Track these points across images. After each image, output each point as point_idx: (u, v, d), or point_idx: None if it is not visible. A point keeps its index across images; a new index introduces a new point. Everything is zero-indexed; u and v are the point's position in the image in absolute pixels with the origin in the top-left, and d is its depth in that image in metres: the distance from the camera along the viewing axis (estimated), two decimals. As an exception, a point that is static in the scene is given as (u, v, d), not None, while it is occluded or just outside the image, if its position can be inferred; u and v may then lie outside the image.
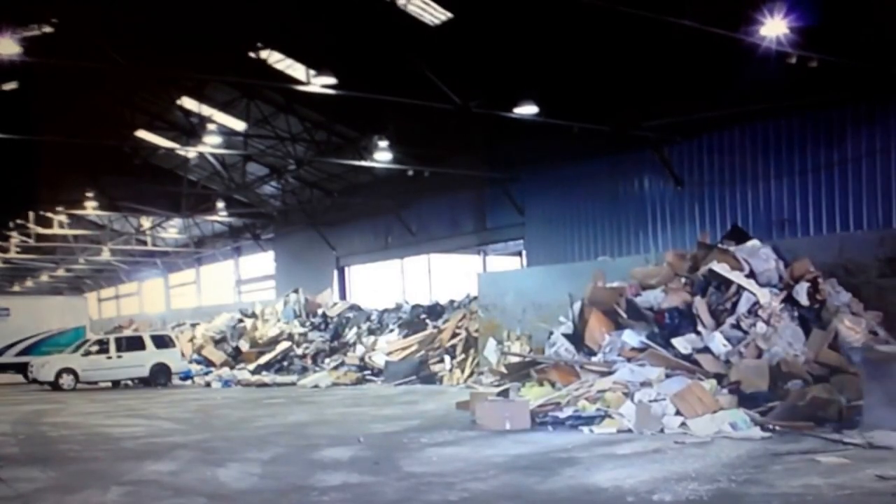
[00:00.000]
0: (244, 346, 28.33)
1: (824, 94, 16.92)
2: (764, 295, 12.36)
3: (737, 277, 12.73)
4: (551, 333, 14.78)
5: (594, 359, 13.07)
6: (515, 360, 15.95)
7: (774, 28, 13.74)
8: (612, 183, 22.85)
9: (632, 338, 12.96)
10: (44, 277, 56.75)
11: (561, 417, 10.87)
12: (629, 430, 10.18)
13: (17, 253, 46.18)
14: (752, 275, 13.01)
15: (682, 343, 12.27)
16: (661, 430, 10.08)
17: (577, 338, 13.99)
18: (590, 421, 10.62)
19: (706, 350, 12.14)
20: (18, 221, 41.69)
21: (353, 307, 29.30)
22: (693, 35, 14.06)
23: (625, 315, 13.61)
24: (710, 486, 6.85)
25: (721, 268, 13.02)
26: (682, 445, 9.01)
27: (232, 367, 26.65)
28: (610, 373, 12.06)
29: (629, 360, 12.43)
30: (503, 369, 16.37)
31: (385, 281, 32.87)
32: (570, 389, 11.88)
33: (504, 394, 12.57)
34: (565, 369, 12.88)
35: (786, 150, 18.78)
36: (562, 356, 13.63)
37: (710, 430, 9.73)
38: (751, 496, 6.56)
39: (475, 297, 22.21)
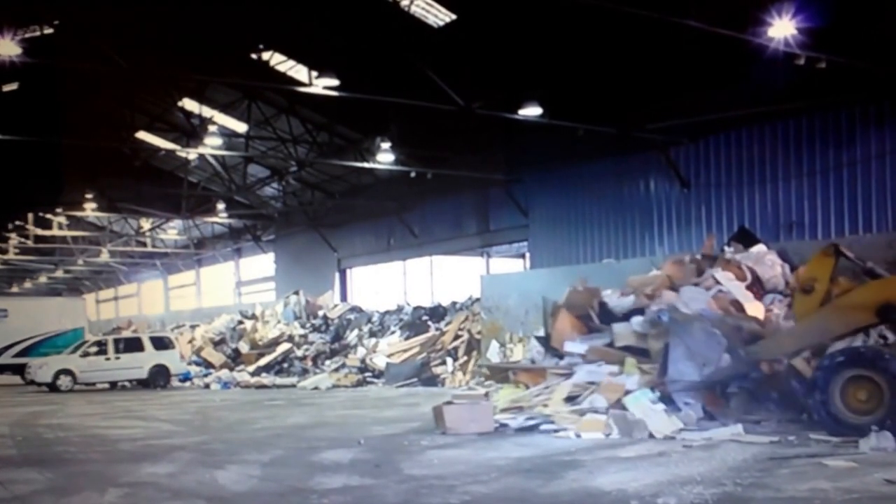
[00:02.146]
0: (244, 347, 28.26)
1: (833, 96, 16.85)
2: (756, 308, 12.31)
3: (734, 288, 12.66)
4: (532, 337, 14.98)
5: (562, 362, 13.11)
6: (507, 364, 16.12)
7: (782, 29, 13.67)
8: (617, 185, 22.78)
9: (596, 340, 12.97)
10: (42, 279, 56.73)
11: (512, 425, 10.87)
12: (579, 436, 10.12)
13: (16, 254, 46.17)
14: (757, 281, 12.91)
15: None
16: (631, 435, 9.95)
17: (548, 340, 14.05)
18: (543, 424, 10.73)
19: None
20: (17, 223, 41.66)
21: (355, 309, 29.23)
22: (700, 36, 14.01)
23: (597, 319, 13.55)
24: (715, 490, 6.73)
25: (724, 276, 12.93)
26: (687, 449, 8.91)
27: (231, 369, 26.58)
28: (571, 375, 12.18)
29: (591, 362, 12.49)
30: (486, 371, 16.66)
31: (387, 283, 32.81)
32: (531, 393, 12.05)
33: (477, 397, 12.64)
34: (534, 372, 12.97)
35: (794, 152, 18.70)
36: (535, 359, 13.73)
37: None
38: (757, 500, 6.44)
39: (478, 299, 22.15)
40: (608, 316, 13.35)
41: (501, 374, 14.29)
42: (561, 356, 13.28)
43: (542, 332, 14.86)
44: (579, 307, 13.91)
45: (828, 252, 10.30)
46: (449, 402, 11.37)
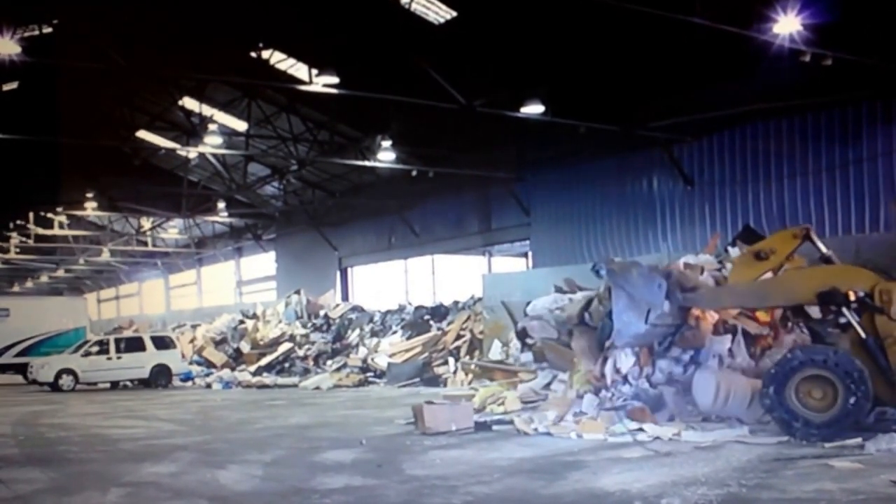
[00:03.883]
0: (245, 347, 28.21)
1: (839, 93, 16.74)
2: None
3: None
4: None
5: (533, 364, 13.27)
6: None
7: (788, 25, 13.59)
8: (620, 183, 22.69)
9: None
10: (43, 278, 56.73)
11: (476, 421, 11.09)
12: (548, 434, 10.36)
13: (17, 253, 46.17)
14: None
15: None
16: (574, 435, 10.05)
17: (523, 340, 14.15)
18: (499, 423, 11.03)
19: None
20: (18, 222, 41.67)
21: (356, 308, 29.16)
22: (704, 32, 13.94)
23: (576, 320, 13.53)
24: (720, 491, 6.70)
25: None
26: (691, 449, 8.86)
27: (233, 369, 26.53)
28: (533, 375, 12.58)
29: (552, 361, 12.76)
30: (475, 369, 17.19)
31: (388, 282, 32.77)
32: (493, 393, 12.45)
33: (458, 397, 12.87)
34: (507, 372, 13.07)
35: (799, 150, 18.59)
36: (516, 358, 13.88)
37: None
38: (762, 501, 6.42)
39: (480, 299, 22.09)
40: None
41: (489, 373, 14.45)
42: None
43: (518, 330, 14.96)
44: None
45: (797, 233, 10.38)
46: (429, 402, 11.46)
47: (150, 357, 24.19)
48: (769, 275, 10.35)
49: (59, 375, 23.28)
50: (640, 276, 10.47)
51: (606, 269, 11.24)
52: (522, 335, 14.26)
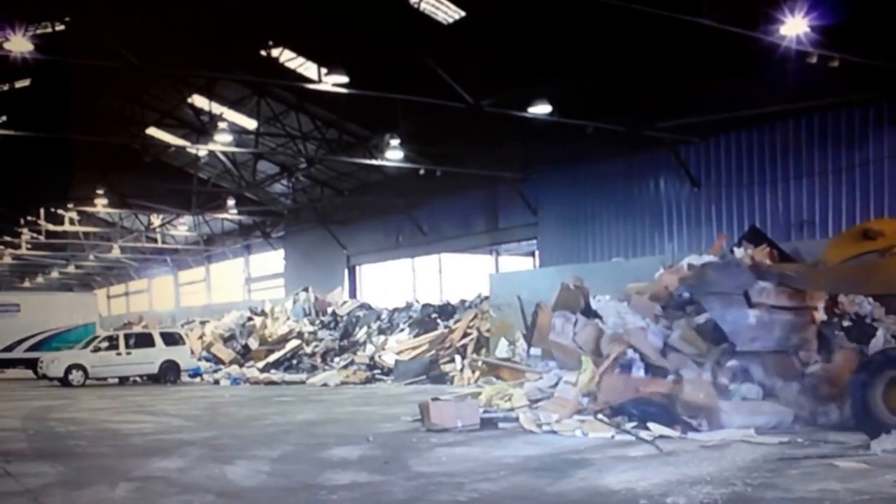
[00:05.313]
0: (253, 344, 28.33)
1: (846, 94, 16.76)
2: None
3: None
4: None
5: (540, 363, 13.30)
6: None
7: (795, 27, 13.60)
8: (627, 183, 22.72)
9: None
10: (54, 274, 57.04)
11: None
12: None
13: (28, 249, 46.41)
14: None
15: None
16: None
17: (530, 339, 14.13)
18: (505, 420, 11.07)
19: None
20: (29, 218, 41.89)
21: (364, 306, 29.26)
22: (711, 34, 13.95)
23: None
24: (724, 490, 6.72)
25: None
26: (697, 448, 8.88)
27: (241, 365, 26.63)
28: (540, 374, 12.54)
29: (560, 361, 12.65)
30: (480, 366, 17.28)
31: (396, 280, 32.83)
32: (500, 391, 12.53)
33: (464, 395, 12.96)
34: (514, 370, 13.19)
35: (805, 151, 18.62)
36: (522, 357, 13.94)
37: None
38: (766, 501, 6.43)
39: (487, 297, 22.13)
40: (593, 317, 13.31)
41: (496, 370, 14.49)
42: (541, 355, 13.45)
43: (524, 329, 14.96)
44: (569, 307, 13.89)
45: None
46: (436, 399, 11.50)
47: (159, 353, 24.32)
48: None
49: (68, 371, 23.41)
50: (717, 272, 10.30)
51: (686, 288, 11.00)
52: (530, 332, 14.26)
